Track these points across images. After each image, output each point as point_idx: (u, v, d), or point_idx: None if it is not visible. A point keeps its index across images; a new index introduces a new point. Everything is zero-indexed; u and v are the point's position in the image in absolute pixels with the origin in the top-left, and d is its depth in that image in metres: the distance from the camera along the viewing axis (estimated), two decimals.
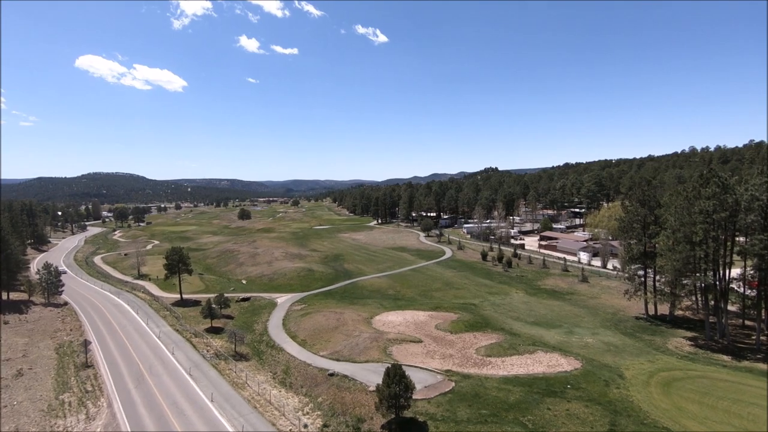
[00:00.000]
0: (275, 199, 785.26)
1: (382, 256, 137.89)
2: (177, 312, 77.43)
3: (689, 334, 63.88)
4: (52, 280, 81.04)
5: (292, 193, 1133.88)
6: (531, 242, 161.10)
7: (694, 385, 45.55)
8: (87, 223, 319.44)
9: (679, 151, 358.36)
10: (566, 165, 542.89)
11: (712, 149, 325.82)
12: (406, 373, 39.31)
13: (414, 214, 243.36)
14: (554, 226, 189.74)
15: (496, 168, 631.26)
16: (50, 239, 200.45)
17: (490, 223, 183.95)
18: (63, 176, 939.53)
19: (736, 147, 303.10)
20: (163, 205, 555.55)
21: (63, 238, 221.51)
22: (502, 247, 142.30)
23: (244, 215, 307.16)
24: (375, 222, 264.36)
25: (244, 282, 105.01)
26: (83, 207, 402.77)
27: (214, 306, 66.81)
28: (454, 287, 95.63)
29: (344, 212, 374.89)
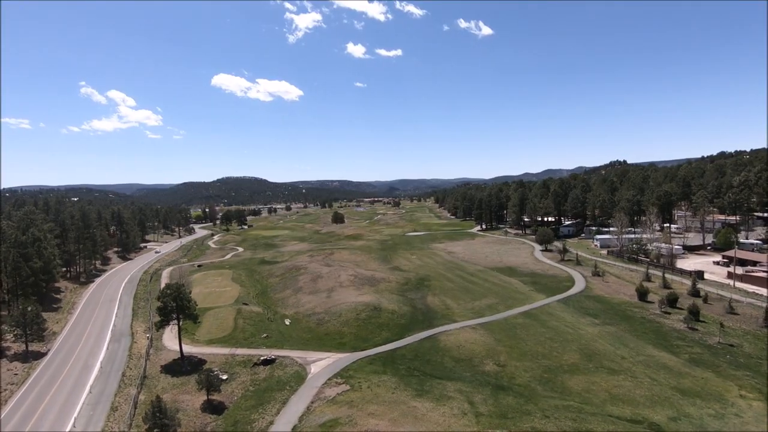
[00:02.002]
0: (380, 199, 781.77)
1: (482, 283, 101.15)
2: (156, 386, 52.06)
3: None
4: (33, 320, 61.18)
5: (397, 192, 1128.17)
6: (704, 264, 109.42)
7: None
8: (199, 225, 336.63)
9: None
10: (722, 154, 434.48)
11: None
12: None
13: (526, 219, 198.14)
14: (740, 240, 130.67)
15: (625, 161, 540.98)
16: (147, 245, 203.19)
17: (635, 233, 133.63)
18: (202, 180, 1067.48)
19: None
20: (273, 207, 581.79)
21: (166, 242, 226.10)
22: (667, 275, 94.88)
23: (337, 219, 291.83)
24: (477, 228, 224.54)
25: (287, 322, 78.27)
26: (198, 209, 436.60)
27: (164, 418, 37.65)
28: (604, 365, 55.54)
29: (445, 214, 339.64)
